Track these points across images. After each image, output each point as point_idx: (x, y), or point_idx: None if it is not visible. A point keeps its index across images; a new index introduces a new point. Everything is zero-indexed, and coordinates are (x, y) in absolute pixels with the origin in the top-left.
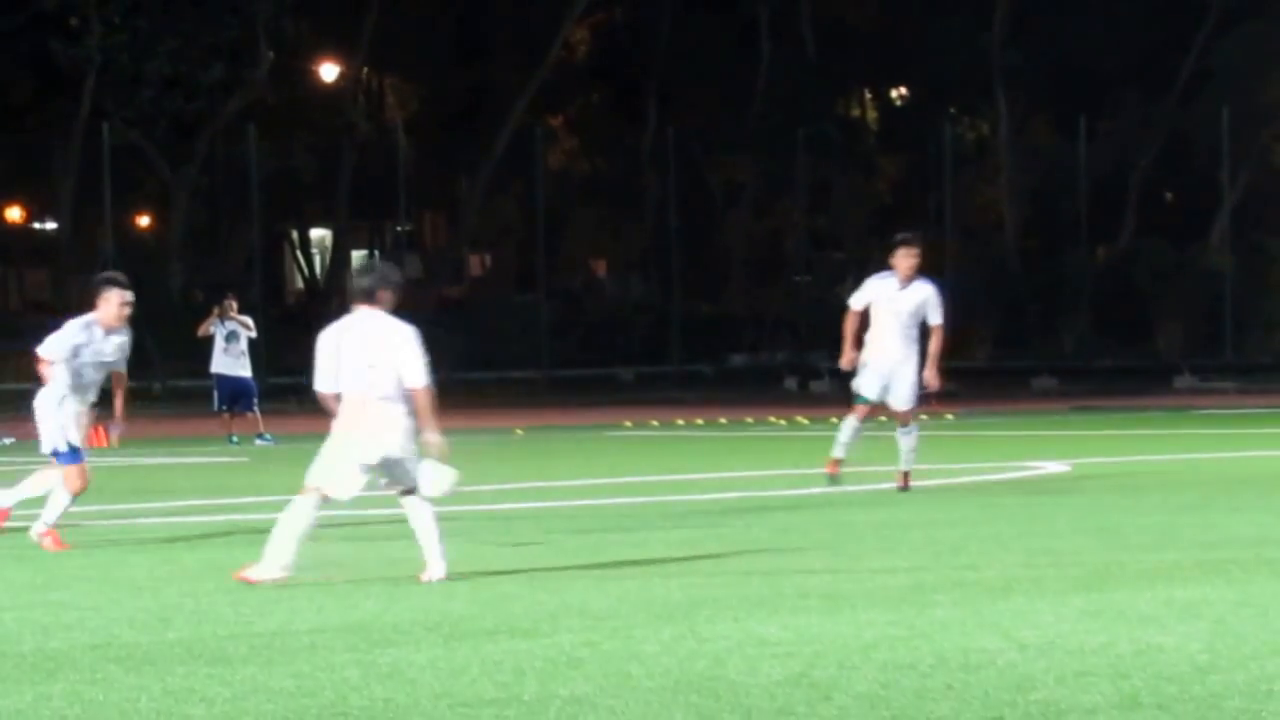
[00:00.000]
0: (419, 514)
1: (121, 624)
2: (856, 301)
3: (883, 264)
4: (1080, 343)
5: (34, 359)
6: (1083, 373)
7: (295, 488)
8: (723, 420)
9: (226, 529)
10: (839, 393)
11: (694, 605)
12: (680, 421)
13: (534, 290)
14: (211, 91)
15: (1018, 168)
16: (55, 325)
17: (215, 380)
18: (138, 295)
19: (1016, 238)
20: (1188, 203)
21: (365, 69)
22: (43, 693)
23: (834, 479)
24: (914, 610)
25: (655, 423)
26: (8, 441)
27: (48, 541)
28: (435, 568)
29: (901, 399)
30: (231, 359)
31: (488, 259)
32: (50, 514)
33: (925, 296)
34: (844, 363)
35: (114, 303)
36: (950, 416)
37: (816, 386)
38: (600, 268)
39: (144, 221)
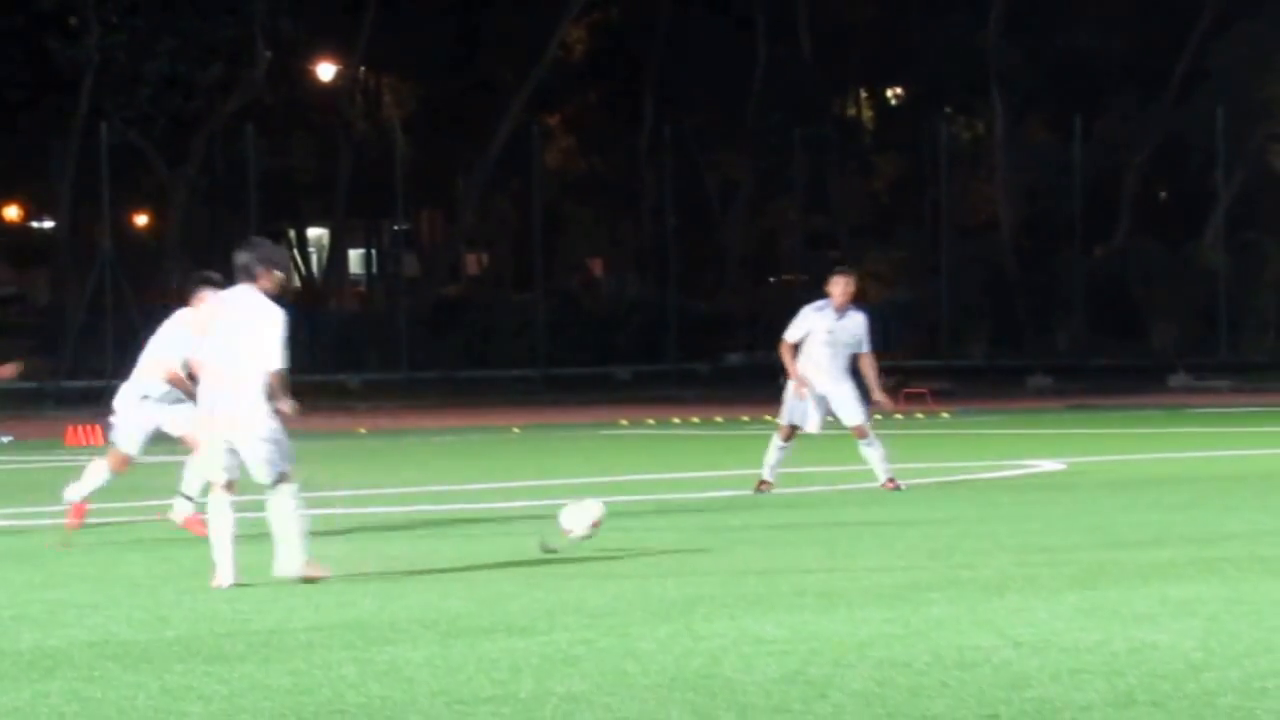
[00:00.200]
0: (278, 506)
1: (119, 622)
2: (792, 334)
3: (882, 263)
4: (1075, 342)
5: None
6: (1078, 371)
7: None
8: (719, 419)
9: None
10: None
11: (690, 603)
12: (676, 420)
13: (531, 289)
14: (209, 91)
15: (1013, 167)
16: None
17: None
18: (135, 293)
19: (1012, 237)
20: (1183, 202)
21: (363, 68)
22: (41, 690)
23: (761, 492)
24: (909, 608)
25: (651, 421)
26: (5, 440)
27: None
28: (286, 564)
29: (851, 415)
30: None
31: (485, 258)
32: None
33: (860, 324)
34: (797, 390)
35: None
36: (946, 415)
37: None
38: (597, 267)
39: (142, 220)
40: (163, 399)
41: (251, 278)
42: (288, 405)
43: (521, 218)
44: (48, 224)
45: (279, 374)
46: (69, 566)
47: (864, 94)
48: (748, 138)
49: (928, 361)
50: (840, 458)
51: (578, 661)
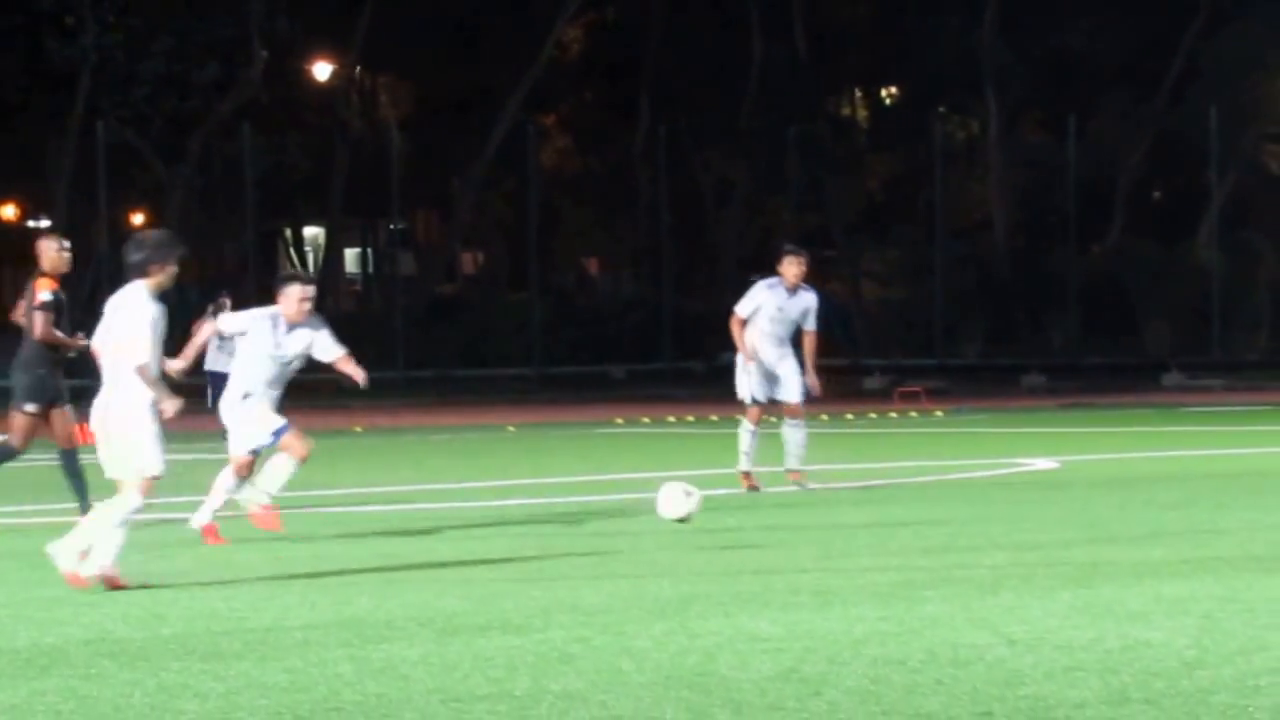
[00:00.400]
0: (109, 504)
1: (115, 619)
2: (744, 309)
3: (876, 262)
4: (1069, 340)
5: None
6: (1072, 370)
7: (288, 483)
8: (714, 417)
9: (220, 526)
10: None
11: (685, 601)
12: (671, 418)
13: (526, 288)
14: (206, 90)
15: (1007, 166)
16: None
17: (209, 377)
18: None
19: (1006, 236)
20: (1176, 201)
21: (359, 67)
22: (37, 688)
23: (753, 489)
24: (904, 606)
25: (647, 420)
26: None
27: (271, 519)
28: (63, 555)
29: (791, 391)
30: (225, 356)
31: (480, 256)
32: (271, 486)
33: (809, 305)
34: (747, 358)
35: (293, 297)
36: (940, 413)
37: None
38: (592, 265)
39: (138, 219)
40: (264, 396)
41: (144, 274)
42: (169, 405)
43: (517, 217)
44: (44, 223)
45: (145, 369)
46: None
47: (859, 93)
48: (743, 137)
49: (922, 360)
50: (835, 456)
51: (573, 659)
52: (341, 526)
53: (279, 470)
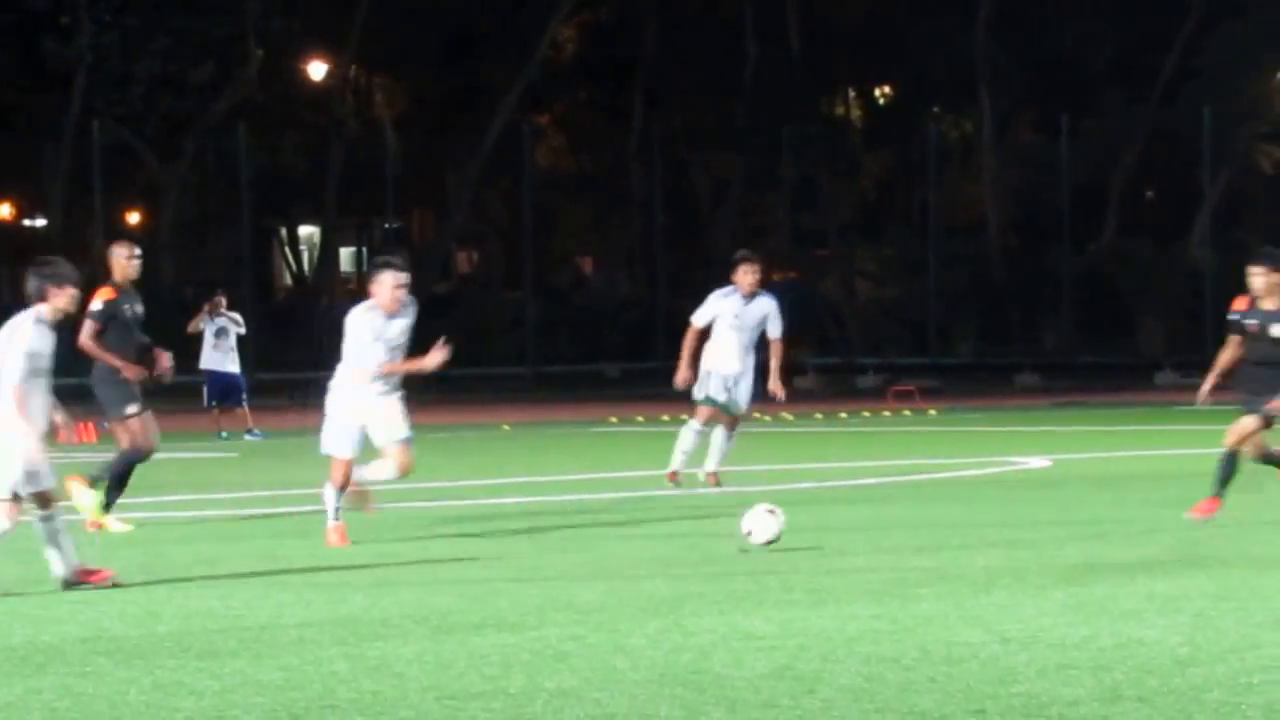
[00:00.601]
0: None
1: (111, 618)
2: (700, 318)
3: (870, 261)
4: (1062, 340)
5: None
6: (1065, 369)
7: (284, 483)
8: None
9: (215, 524)
10: (824, 389)
11: (679, 599)
12: (665, 417)
13: (521, 287)
14: (201, 90)
15: (1001, 166)
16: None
17: (204, 376)
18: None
19: (1000, 235)
20: (1170, 201)
21: (354, 67)
22: (33, 686)
23: (675, 482)
24: (897, 604)
25: (641, 419)
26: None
27: (334, 538)
28: None
29: (739, 406)
30: (221, 355)
31: (475, 256)
32: (368, 478)
33: (767, 310)
34: (679, 381)
35: (387, 285)
36: (933, 412)
37: (800, 383)
38: (587, 265)
39: (134, 218)
40: (376, 392)
41: (42, 298)
42: (23, 445)
43: (512, 216)
44: (40, 222)
45: (16, 391)
46: None
47: (852, 93)
48: (737, 136)
49: (916, 359)
50: (828, 455)
51: (568, 657)
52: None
53: (375, 470)
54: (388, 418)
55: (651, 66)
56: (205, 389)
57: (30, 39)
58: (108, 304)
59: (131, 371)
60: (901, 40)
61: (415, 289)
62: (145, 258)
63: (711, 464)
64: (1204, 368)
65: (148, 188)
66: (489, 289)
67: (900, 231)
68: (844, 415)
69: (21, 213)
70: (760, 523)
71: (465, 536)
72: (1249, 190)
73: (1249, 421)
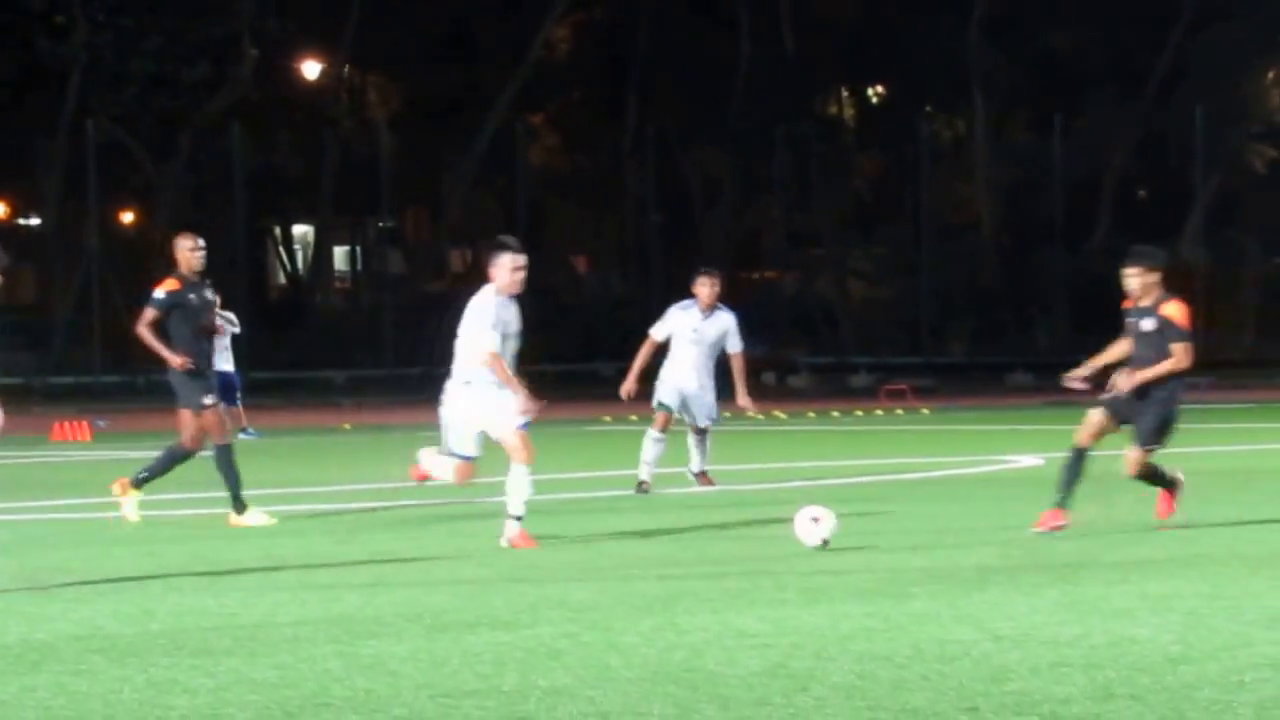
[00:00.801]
0: None
1: (105, 616)
2: (658, 332)
3: (863, 261)
4: (1055, 339)
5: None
6: (1057, 368)
7: (277, 481)
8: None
9: (209, 522)
10: (817, 388)
11: (673, 597)
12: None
13: None
14: (196, 89)
15: (994, 165)
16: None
17: None
18: (121, 289)
19: (992, 235)
20: (1162, 200)
21: (348, 66)
22: (27, 684)
23: (643, 489)
24: (890, 602)
25: (634, 418)
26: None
27: (521, 542)
28: None
29: (701, 417)
30: (215, 354)
31: (469, 255)
32: (516, 507)
33: (726, 325)
34: (624, 391)
35: (506, 267)
36: (927, 411)
37: (794, 381)
38: (580, 264)
39: (128, 217)
40: (489, 384)
41: None
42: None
43: (506, 215)
44: (34, 221)
45: None
46: (55, 561)
47: (845, 93)
48: (730, 136)
49: (909, 359)
50: (821, 454)
51: (561, 655)
52: (331, 523)
53: (516, 486)
54: (501, 409)
55: (645, 66)
56: None
57: (25, 38)
58: (170, 294)
59: (177, 362)
60: (895, 40)
61: (409, 288)
62: (139, 257)
63: (696, 464)
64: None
65: (142, 187)
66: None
67: (893, 231)
68: (837, 414)
69: (16, 211)
70: (809, 529)
71: (458, 535)
72: (1240, 190)
73: (1097, 415)
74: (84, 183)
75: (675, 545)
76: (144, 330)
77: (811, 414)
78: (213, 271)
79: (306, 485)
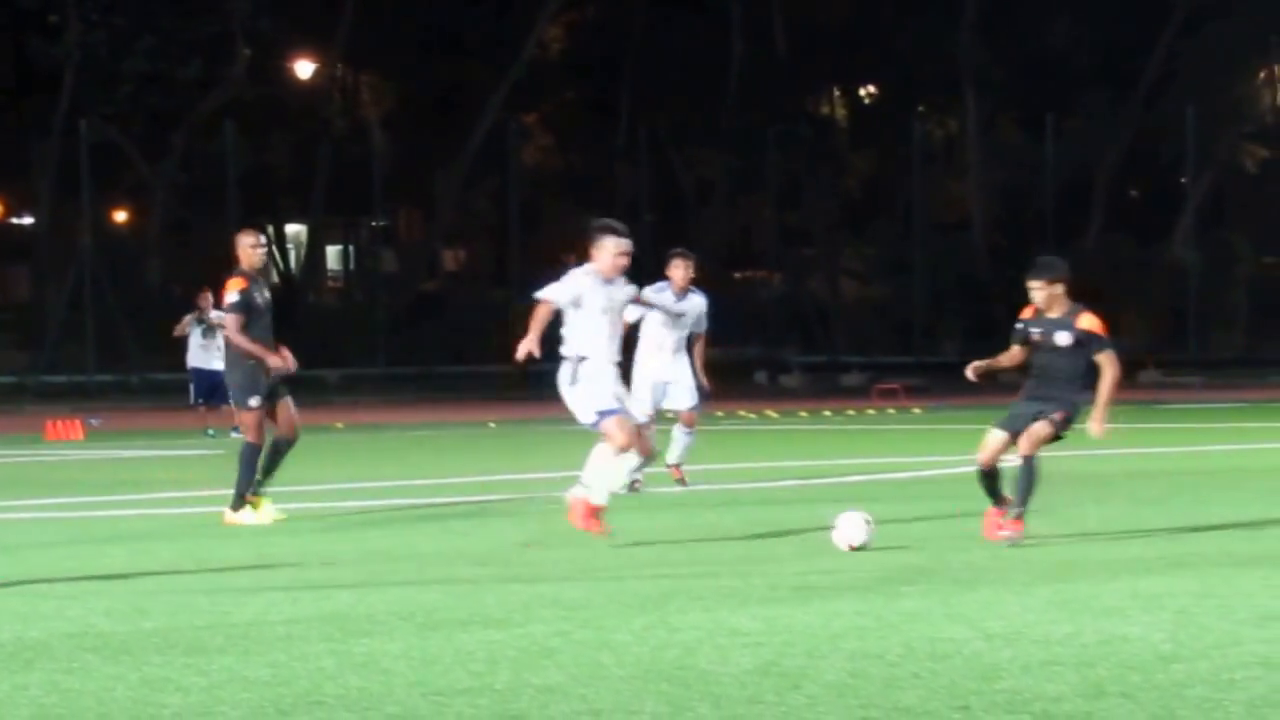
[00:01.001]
0: None
1: (98, 614)
2: (631, 314)
3: (855, 260)
4: None
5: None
6: None
7: (269, 480)
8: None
9: (202, 521)
10: (809, 387)
11: (665, 596)
12: None
13: (507, 285)
14: (189, 88)
15: (986, 165)
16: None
17: (191, 373)
18: (114, 288)
19: (984, 234)
20: (1153, 200)
21: (341, 66)
22: (20, 682)
23: (636, 492)
24: (882, 601)
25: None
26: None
27: (579, 511)
28: None
29: (683, 399)
30: (207, 353)
31: (462, 254)
32: (595, 481)
33: (699, 308)
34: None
35: (609, 250)
36: (918, 410)
37: (786, 380)
38: (573, 262)
39: (121, 216)
40: (604, 361)
41: None
42: None
43: (499, 214)
44: (28, 220)
45: None
46: (49, 559)
47: (838, 92)
48: (723, 135)
49: (901, 358)
50: (813, 453)
51: (554, 653)
52: (323, 521)
53: (600, 467)
54: (589, 392)
55: (638, 66)
56: (191, 386)
57: (18, 37)
58: (242, 293)
59: (275, 360)
60: (887, 40)
61: (402, 287)
62: (132, 256)
63: (672, 456)
64: (1187, 366)
65: (135, 186)
66: (476, 287)
67: (885, 230)
68: (829, 413)
69: (9, 210)
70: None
71: (451, 533)
72: (1232, 190)
73: (997, 435)
74: (77, 182)
75: (667, 544)
76: (240, 338)
77: (803, 413)
78: (206, 271)
79: (299, 484)
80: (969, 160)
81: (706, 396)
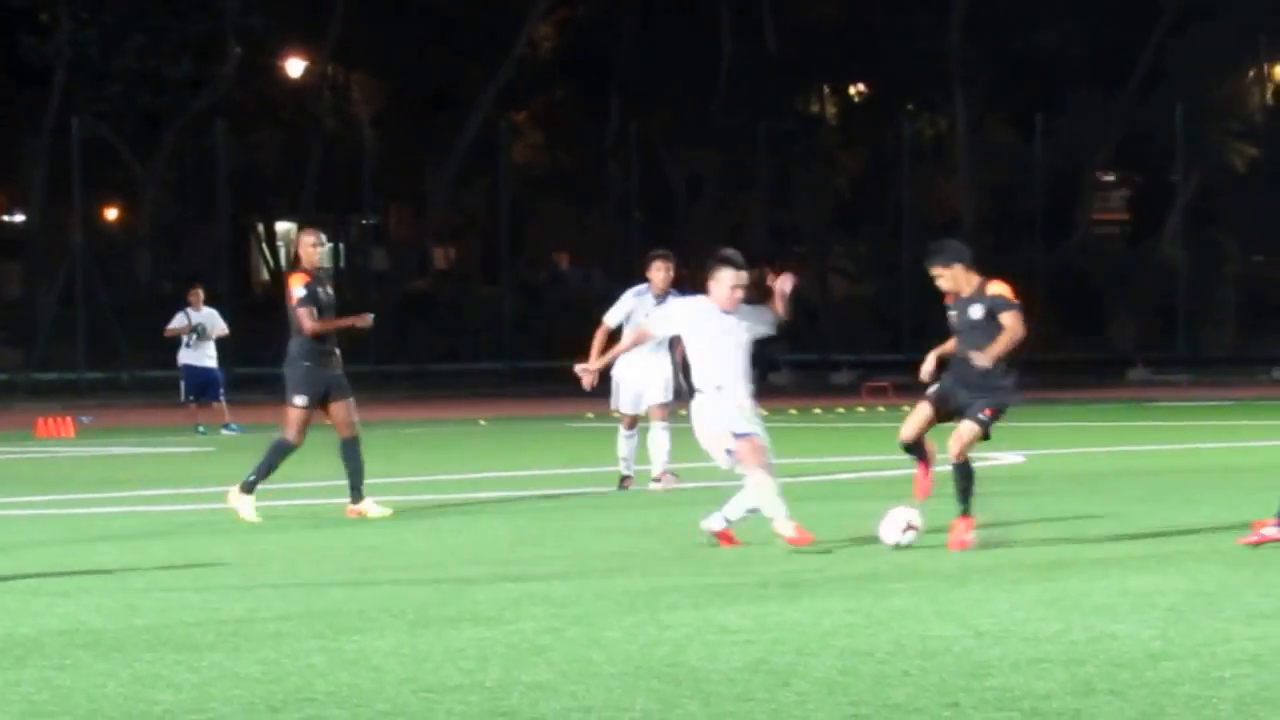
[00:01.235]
0: None
1: (89, 610)
2: (611, 318)
3: (845, 258)
4: (1036, 336)
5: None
6: (1038, 365)
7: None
8: (682, 411)
9: (193, 518)
10: (798, 385)
11: (655, 593)
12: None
13: (498, 282)
14: (180, 86)
15: (975, 163)
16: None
17: (182, 371)
18: (106, 286)
19: (973, 232)
20: (1142, 198)
21: (331, 64)
22: (11, 679)
23: (624, 487)
24: (872, 598)
25: (618, 414)
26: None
27: (792, 534)
28: None
29: (655, 395)
30: (198, 350)
31: (452, 252)
32: (768, 509)
33: None
34: (586, 383)
35: (726, 283)
36: (908, 409)
37: (775, 378)
38: (563, 260)
39: (112, 214)
40: (736, 386)
41: None
42: None
43: (489, 213)
44: (19, 218)
45: None
46: (40, 556)
47: (827, 91)
48: (713, 134)
49: (890, 356)
50: (803, 451)
51: (544, 650)
52: (314, 518)
53: (761, 494)
54: (720, 420)
55: (628, 64)
56: (182, 384)
57: (9, 35)
58: (308, 286)
59: (360, 320)
60: (876, 38)
61: (392, 285)
62: (123, 253)
63: (656, 469)
64: (1176, 364)
65: (126, 184)
66: (466, 285)
67: (875, 228)
68: (818, 411)
69: (1, 208)
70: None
71: (442, 531)
72: (1221, 188)
73: (924, 408)
74: (68, 179)
75: (657, 541)
76: (316, 325)
77: (793, 411)
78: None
79: (289, 481)
80: (958, 159)
81: (686, 397)
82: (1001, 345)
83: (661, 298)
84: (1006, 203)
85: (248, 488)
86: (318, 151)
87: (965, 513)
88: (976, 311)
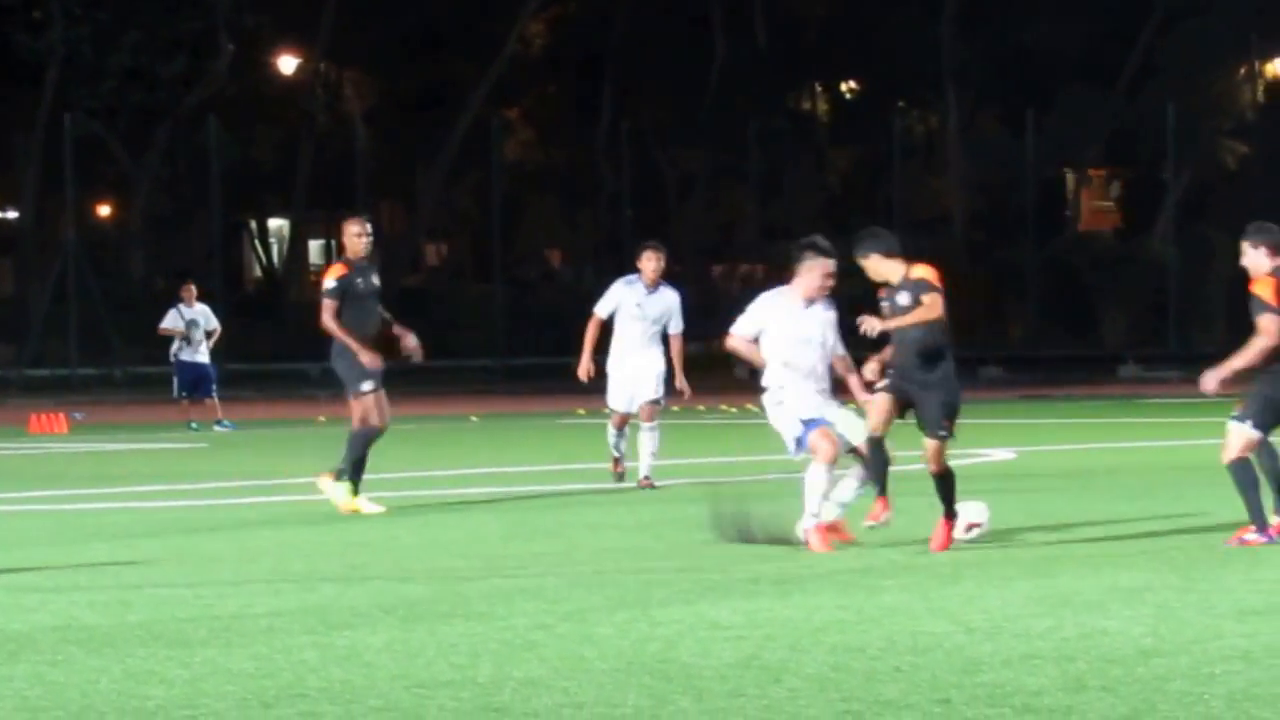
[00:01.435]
0: None
1: (82, 606)
2: (602, 308)
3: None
4: (1027, 333)
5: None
6: (1029, 362)
7: (254, 472)
8: (675, 408)
9: (186, 514)
10: None
11: (647, 589)
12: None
13: (490, 279)
14: (172, 83)
15: (966, 160)
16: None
17: (175, 367)
18: (99, 282)
19: (965, 229)
20: (1133, 195)
21: (324, 61)
22: (4, 674)
23: (619, 477)
24: (863, 595)
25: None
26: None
27: (815, 539)
28: None
29: (646, 391)
30: (191, 346)
31: (444, 249)
32: (841, 498)
33: (671, 302)
34: (581, 373)
35: (817, 273)
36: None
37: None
38: (555, 257)
39: (105, 211)
40: (804, 385)
41: None
42: None
43: (481, 209)
44: (12, 214)
45: None
46: (32, 552)
47: (819, 88)
48: (704, 131)
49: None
50: None
51: (536, 646)
52: (306, 514)
53: (836, 485)
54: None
55: (620, 61)
56: (175, 380)
57: (1, 32)
58: (340, 280)
59: (367, 357)
60: (868, 36)
61: (384, 282)
62: (116, 250)
63: (643, 469)
64: (1167, 361)
65: (119, 180)
66: (458, 282)
67: (866, 225)
68: None
69: None
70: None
71: (434, 527)
72: (1212, 185)
73: (883, 400)
74: (61, 176)
75: (649, 537)
76: (330, 324)
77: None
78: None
79: (281, 477)
80: (949, 155)
81: (678, 394)
82: (910, 319)
83: (652, 288)
84: (997, 200)
85: (339, 476)
86: (310, 148)
87: (949, 515)
88: (904, 299)
